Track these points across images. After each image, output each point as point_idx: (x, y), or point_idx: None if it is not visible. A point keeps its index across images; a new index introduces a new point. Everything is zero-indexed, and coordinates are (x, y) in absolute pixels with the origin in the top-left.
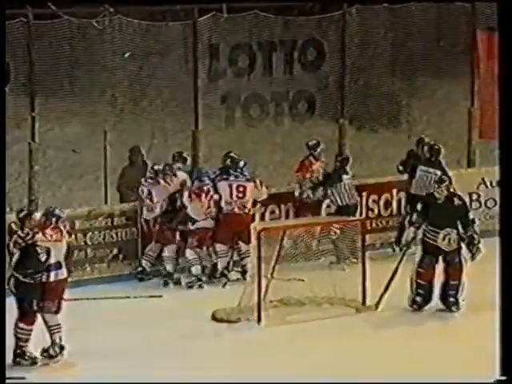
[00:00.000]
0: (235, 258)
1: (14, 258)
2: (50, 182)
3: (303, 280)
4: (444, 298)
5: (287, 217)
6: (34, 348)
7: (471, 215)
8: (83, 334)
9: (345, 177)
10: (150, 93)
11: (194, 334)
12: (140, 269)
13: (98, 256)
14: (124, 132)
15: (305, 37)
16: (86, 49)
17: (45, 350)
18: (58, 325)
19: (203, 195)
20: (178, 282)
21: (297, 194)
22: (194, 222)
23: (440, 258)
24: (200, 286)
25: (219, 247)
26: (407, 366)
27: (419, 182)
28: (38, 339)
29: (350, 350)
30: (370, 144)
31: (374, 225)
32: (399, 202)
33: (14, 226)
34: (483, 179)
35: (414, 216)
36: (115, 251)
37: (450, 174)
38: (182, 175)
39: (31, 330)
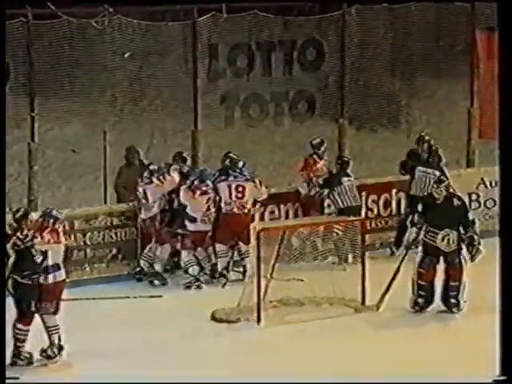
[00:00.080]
0: (235, 258)
1: (11, 260)
2: (50, 182)
3: (302, 280)
4: (445, 299)
5: (287, 217)
6: (33, 348)
7: (471, 216)
8: (83, 334)
9: (344, 179)
10: (150, 93)
11: (193, 334)
12: (138, 269)
13: (98, 256)
14: (123, 132)
15: (304, 37)
16: (85, 49)
17: (43, 351)
18: (56, 326)
19: (198, 192)
20: (164, 283)
21: (304, 192)
22: (193, 220)
23: (441, 259)
24: (198, 287)
25: (219, 247)
26: (407, 366)
27: (418, 182)
28: (37, 339)
29: (350, 350)
30: (369, 144)
31: (373, 225)
32: (399, 202)
33: (11, 228)
34: (482, 179)
35: (416, 216)
36: (114, 251)
37: (450, 174)
38: (176, 175)
39: (28, 331)
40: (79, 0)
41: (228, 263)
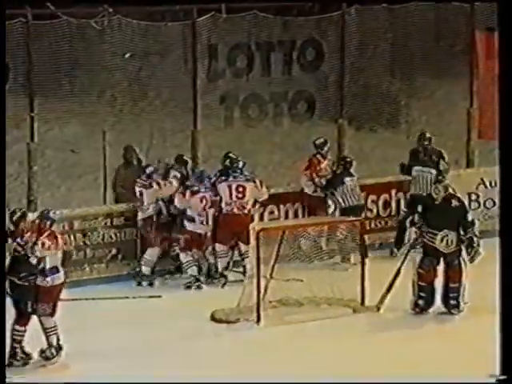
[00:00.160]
0: (235, 258)
1: (6, 262)
2: (49, 182)
3: (302, 280)
4: (445, 300)
5: (286, 217)
6: (32, 349)
7: (470, 217)
8: (82, 335)
9: (347, 179)
10: (149, 93)
11: (193, 334)
12: (138, 269)
13: (97, 256)
14: (123, 132)
15: (304, 37)
16: (85, 49)
17: (42, 351)
18: (53, 327)
19: (188, 193)
20: (151, 284)
21: (310, 191)
22: (191, 220)
23: (441, 260)
24: (198, 287)
25: (219, 247)
26: (407, 366)
27: (416, 182)
28: (36, 340)
29: (349, 351)
30: (369, 144)
31: (372, 225)
32: (398, 202)
33: (9, 231)
34: (482, 179)
35: (416, 217)
36: (114, 251)
37: (449, 174)
38: (176, 181)
39: (25, 331)
40: (79, 0)
41: (228, 263)
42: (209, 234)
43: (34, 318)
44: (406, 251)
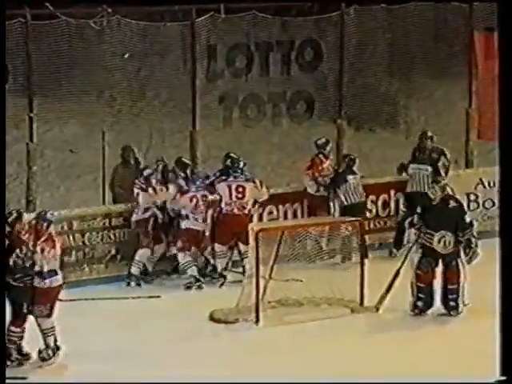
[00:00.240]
0: (234, 258)
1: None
2: (48, 182)
3: (301, 280)
4: (445, 302)
5: (285, 217)
6: (31, 349)
7: (468, 218)
8: (81, 335)
9: (350, 177)
10: (148, 93)
11: (192, 334)
12: (143, 269)
13: (96, 256)
14: (122, 132)
15: (302, 37)
16: (84, 49)
17: (39, 352)
18: (51, 328)
19: (177, 194)
20: (139, 284)
21: (313, 190)
22: (184, 217)
23: (440, 261)
24: (199, 287)
25: (218, 248)
26: (407, 366)
27: (412, 179)
28: (34, 340)
29: (349, 351)
30: (368, 144)
31: (372, 225)
32: (397, 202)
33: (13, 241)
34: (481, 180)
35: (415, 218)
36: (113, 252)
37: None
38: (173, 188)
39: (21, 332)
40: (78, 0)
41: (227, 264)
42: (207, 232)
43: (32, 318)
44: (406, 252)
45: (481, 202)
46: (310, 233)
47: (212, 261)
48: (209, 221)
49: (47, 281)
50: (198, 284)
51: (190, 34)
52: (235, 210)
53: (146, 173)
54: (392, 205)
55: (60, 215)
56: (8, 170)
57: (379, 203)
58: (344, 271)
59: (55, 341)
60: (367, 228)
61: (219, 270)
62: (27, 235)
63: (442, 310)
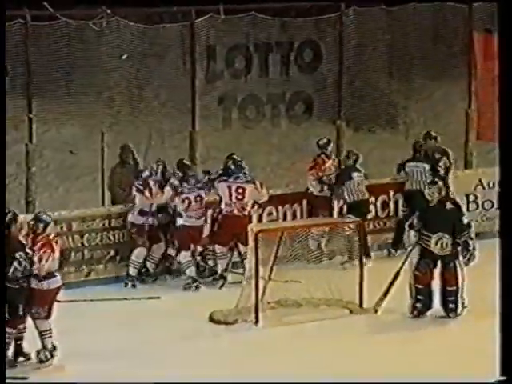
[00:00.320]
0: (235, 259)
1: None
2: (47, 183)
3: (300, 281)
4: (444, 304)
5: (285, 218)
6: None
7: (465, 220)
8: (81, 336)
9: (355, 174)
10: (148, 94)
11: (191, 335)
12: (144, 270)
13: (95, 257)
14: (121, 133)
15: (302, 38)
16: (83, 50)
17: (37, 353)
18: (48, 330)
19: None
20: (134, 285)
21: (317, 190)
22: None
23: (438, 263)
24: (197, 287)
25: (218, 249)
26: (407, 366)
27: (410, 177)
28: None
29: (348, 352)
30: (367, 145)
31: (371, 226)
32: (396, 203)
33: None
34: (480, 180)
35: (415, 219)
36: (112, 253)
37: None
38: (168, 191)
39: (15, 334)
40: (77, 2)
41: (227, 265)
42: (205, 231)
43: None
44: (406, 254)
45: (480, 203)
46: (310, 234)
47: (209, 262)
48: (204, 219)
49: (45, 283)
50: (195, 284)
51: (190, 35)
52: (235, 211)
53: (144, 174)
54: (391, 206)
55: (59, 216)
56: (7, 171)
57: (378, 204)
58: (343, 272)
59: (52, 343)
60: (366, 229)
61: (220, 271)
62: (24, 237)
63: (442, 312)
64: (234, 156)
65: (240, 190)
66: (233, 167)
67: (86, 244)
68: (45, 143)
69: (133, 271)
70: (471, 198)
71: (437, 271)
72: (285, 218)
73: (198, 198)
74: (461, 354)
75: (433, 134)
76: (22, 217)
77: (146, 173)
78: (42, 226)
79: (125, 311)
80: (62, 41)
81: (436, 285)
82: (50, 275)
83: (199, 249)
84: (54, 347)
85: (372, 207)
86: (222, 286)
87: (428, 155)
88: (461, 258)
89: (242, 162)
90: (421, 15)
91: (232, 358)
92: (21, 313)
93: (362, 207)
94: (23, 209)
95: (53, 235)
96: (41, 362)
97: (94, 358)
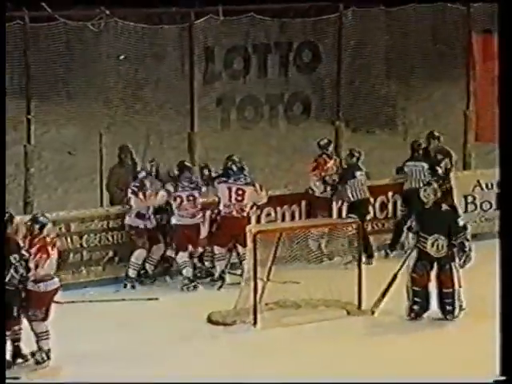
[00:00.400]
0: (233, 260)
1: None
2: (46, 184)
3: (298, 282)
4: (441, 306)
5: (283, 219)
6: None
7: (461, 221)
8: (79, 337)
9: (358, 173)
10: (146, 95)
11: (190, 336)
12: (143, 271)
13: (94, 258)
14: (119, 134)
15: (300, 39)
16: (82, 51)
17: (33, 354)
18: (45, 332)
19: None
20: (134, 286)
21: (320, 191)
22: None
23: (435, 264)
24: (194, 287)
25: (217, 250)
26: (406, 366)
27: (409, 177)
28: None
29: (346, 353)
30: (366, 146)
31: (369, 227)
32: (395, 204)
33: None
34: (479, 181)
35: (413, 222)
36: (111, 253)
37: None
38: (162, 195)
39: (10, 335)
40: (76, 2)
41: (226, 266)
42: (203, 231)
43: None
44: (405, 257)
45: (478, 204)
46: (309, 234)
47: (206, 264)
48: (199, 218)
49: (42, 285)
50: (193, 285)
51: (188, 37)
52: (234, 213)
53: (140, 175)
54: (390, 207)
55: (58, 217)
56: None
57: (377, 205)
58: (342, 273)
59: (48, 345)
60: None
61: (218, 272)
62: (22, 239)
63: (439, 314)
64: (234, 157)
65: (240, 192)
66: (235, 169)
67: (85, 245)
68: (43, 144)
69: (132, 273)
70: (469, 199)
71: (433, 273)
72: (283, 219)
73: (191, 198)
74: (461, 354)
75: (436, 134)
76: (18, 218)
77: (143, 174)
78: (38, 227)
79: (123, 312)
80: (60, 42)
81: (433, 287)
82: (47, 277)
83: (200, 250)
84: (49, 349)
85: (371, 208)
86: (220, 287)
87: (427, 155)
88: (457, 259)
89: (244, 164)
90: (420, 16)
91: (230, 359)
92: (15, 314)
93: (363, 207)
94: (21, 210)
95: (50, 237)
96: (37, 363)
97: (93, 358)
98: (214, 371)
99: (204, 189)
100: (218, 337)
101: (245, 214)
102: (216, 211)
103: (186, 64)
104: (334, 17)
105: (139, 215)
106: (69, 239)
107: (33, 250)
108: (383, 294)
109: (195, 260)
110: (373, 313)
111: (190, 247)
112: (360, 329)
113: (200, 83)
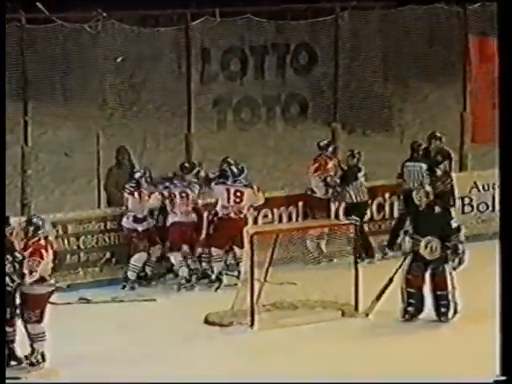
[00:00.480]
0: (230, 262)
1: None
2: (43, 185)
3: (295, 283)
4: (436, 308)
5: (280, 221)
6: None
7: (454, 224)
8: (76, 338)
9: (360, 174)
10: (143, 97)
11: (187, 337)
12: (142, 273)
13: (91, 260)
14: (116, 136)
15: (297, 41)
16: (79, 53)
17: (26, 357)
18: (41, 333)
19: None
20: (133, 287)
21: (322, 192)
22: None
23: (429, 266)
24: (190, 287)
25: (215, 251)
26: (406, 366)
27: (408, 177)
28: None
29: (343, 354)
30: (362, 148)
31: (366, 228)
32: (391, 205)
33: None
34: (475, 183)
35: (409, 225)
36: (108, 255)
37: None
38: (155, 197)
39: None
40: (73, 5)
41: (223, 267)
42: (202, 233)
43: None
44: (401, 261)
45: (475, 205)
46: (307, 235)
47: (203, 265)
48: (193, 215)
49: (36, 287)
50: (189, 285)
51: (185, 38)
52: (232, 214)
53: (136, 175)
54: (386, 208)
55: (55, 218)
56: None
57: (373, 207)
58: (340, 274)
59: (43, 346)
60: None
61: (215, 273)
62: (17, 241)
63: (434, 316)
64: (229, 159)
65: (238, 194)
66: (235, 171)
67: (82, 246)
68: (40, 146)
69: (131, 275)
70: (466, 200)
71: (427, 275)
72: (280, 220)
73: (184, 195)
74: (461, 354)
75: (438, 134)
76: (12, 220)
77: (139, 174)
78: (32, 229)
79: (120, 313)
80: (57, 43)
81: (428, 289)
82: (41, 280)
83: (199, 250)
84: (44, 351)
85: (368, 210)
86: (217, 288)
87: (428, 155)
88: (450, 261)
89: (244, 166)
90: (416, 18)
91: (227, 360)
92: (8, 316)
93: (362, 208)
94: (19, 211)
95: (43, 240)
96: (32, 365)
97: (89, 359)
98: (211, 372)
99: (197, 187)
100: (214, 337)
101: (242, 216)
102: (213, 212)
103: (182, 65)
104: (331, 19)
105: (136, 219)
106: (66, 241)
107: (26, 253)
108: (378, 297)
109: (190, 261)
110: (367, 315)
111: (186, 247)
112: (358, 330)
113: (196, 85)
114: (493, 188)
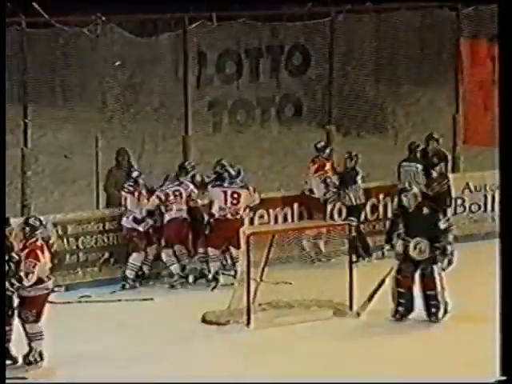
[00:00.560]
0: (226, 261)
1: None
2: (43, 187)
3: (291, 283)
4: (426, 308)
5: (276, 221)
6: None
7: (443, 225)
8: (75, 338)
9: (358, 177)
10: (141, 100)
11: (184, 336)
12: (140, 272)
13: (90, 260)
14: (115, 138)
15: (291, 42)
16: (78, 57)
17: (24, 357)
18: (38, 333)
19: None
20: (134, 286)
21: (321, 193)
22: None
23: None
24: (183, 284)
25: (211, 252)
26: (406, 366)
27: (404, 177)
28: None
29: (339, 352)
30: (356, 150)
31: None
32: (385, 206)
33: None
34: (467, 184)
35: (400, 227)
36: (107, 255)
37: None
38: (154, 200)
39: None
40: (72, 9)
41: (219, 267)
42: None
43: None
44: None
45: (467, 206)
46: (303, 235)
47: (201, 265)
48: (186, 214)
49: (32, 289)
50: (181, 281)
51: (183, 42)
52: (228, 215)
53: (134, 174)
54: (380, 209)
55: (55, 219)
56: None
57: (368, 208)
58: (336, 273)
59: (41, 346)
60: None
61: (212, 273)
62: (16, 242)
63: (425, 317)
64: (223, 161)
65: (235, 195)
66: (232, 173)
67: (81, 247)
68: (40, 148)
69: (130, 273)
70: (459, 201)
71: (417, 275)
72: (276, 221)
73: (177, 193)
74: (461, 354)
75: (435, 135)
76: (12, 221)
77: (136, 173)
78: (28, 229)
79: (118, 313)
80: (57, 47)
81: (418, 289)
82: (38, 281)
83: (200, 250)
84: (41, 350)
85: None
86: (214, 287)
87: (425, 156)
88: (440, 262)
89: (240, 168)
90: (409, 21)
91: (224, 359)
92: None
93: (360, 210)
94: (19, 212)
95: (40, 241)
96: (29, 364)
97: (88, 359)
98: (207, 371)
99: (191, 186)
100: (211, 336)
101: (238, 217)
102: (209, 213)
103: (179, 69)
104: (325, 21)
105: (136, 220)
106: (65, 241)
107: (23, 254)
108: (370, 298)
109: (186, 259)
110: (358, 315)
111: (179, 245)
112: (352, 329)
113: (192, 87)
114: (484, 189)
